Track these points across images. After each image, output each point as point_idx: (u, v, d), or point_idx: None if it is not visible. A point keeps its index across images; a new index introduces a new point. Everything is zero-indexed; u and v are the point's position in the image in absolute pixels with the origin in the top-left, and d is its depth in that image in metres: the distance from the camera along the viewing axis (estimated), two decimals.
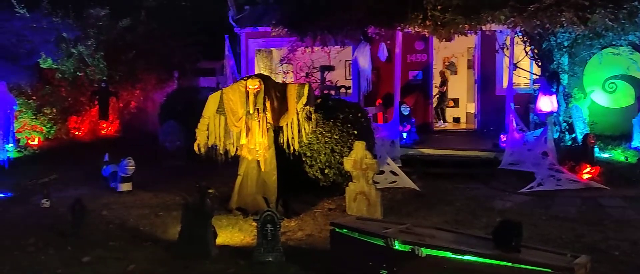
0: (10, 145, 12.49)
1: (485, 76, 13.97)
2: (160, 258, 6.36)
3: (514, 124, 11.03)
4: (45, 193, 8.88)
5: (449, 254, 4.69)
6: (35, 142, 14.51)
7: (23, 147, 13.75)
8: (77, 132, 16.02)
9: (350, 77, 16.19)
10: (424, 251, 4.76)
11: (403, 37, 11.90)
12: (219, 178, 9.90)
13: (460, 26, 9.83)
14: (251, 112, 8.04)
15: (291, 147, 8.37)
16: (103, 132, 16.57)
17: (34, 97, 14.75)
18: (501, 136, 11.25)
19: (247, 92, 8.04)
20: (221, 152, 8.45)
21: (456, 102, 16.60)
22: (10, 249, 6.70)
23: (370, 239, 5.16)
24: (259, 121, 8.07)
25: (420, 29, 10.17)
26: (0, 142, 12.00)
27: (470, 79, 16.07)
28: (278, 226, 6.16)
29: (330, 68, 14.83)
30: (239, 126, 8.20)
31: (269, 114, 8.12)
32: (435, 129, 14.44)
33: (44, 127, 14.79)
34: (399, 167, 10.01)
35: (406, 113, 11.95)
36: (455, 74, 16.80)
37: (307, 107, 8.16)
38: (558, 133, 10.89)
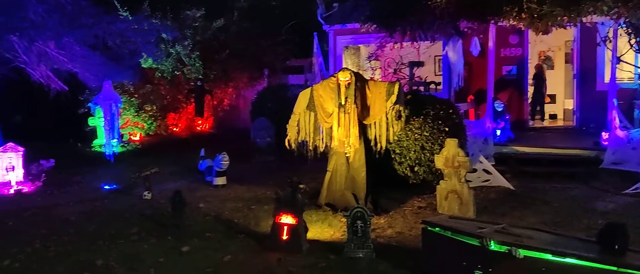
0: (115, 140, 13.33)
1: (585, 70, 13.23)
2: (254, 249, 6.55)
3: (617, 121, 10.36)
4: (147, 186, 9.37)
5: (549, 256, 4.48)
6: (137, 138, 15.40)
7: (126, 142, 14.63)
8: (174, 129, 16.84)
9: (440, 73, 15.89)
10: (522, 252, 4.58)
11: (496, 31, 11.51)
12: (308, 174, 10.06)
13: (559, 18, 9.38)
14: (343, 103, 8.07)
15: (378, 146, 8.32)
16: (198, 128, 17.31)
17: (136, 95, 15.65)
18: (603, 133, 10.61)
19: (338, 85, 8.08)
20: (311, 148, 8.55)
21: (553, 98, 15.88)
22: (116, 237, 7.14)
23: (464, 238, 5.04)
24: (350, 113, 8.09)
25: (515, 23, 9.78)
26: (108, 137, 12.82)
27: (568, 74, 15.33)
28: (368, 223, 6.15)
29: (420, 64, 14.59)
30: (330, 121, 8.27)
31: (358, 106, 8.11)
32: (530, 126, 13.88)
33: (145, 124, 15.66)
34: (492, 165, 9.70)
35: (500, 109, 11.54)
36: (552, 69, 16.07)
37: (397, 105, 8.08)
38: None
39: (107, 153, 12.92)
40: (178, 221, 7.41)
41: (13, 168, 10.01)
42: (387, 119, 8.23)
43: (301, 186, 6.57)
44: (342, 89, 8.07)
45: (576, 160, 10.28)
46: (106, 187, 10.17)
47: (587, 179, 9.53)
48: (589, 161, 10.12)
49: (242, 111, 18.14)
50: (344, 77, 8.08)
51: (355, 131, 8.13)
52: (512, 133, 11.72)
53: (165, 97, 16.49)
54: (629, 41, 10.89)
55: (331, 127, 8.34)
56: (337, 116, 8.16)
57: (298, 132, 8.58)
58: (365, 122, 8.30)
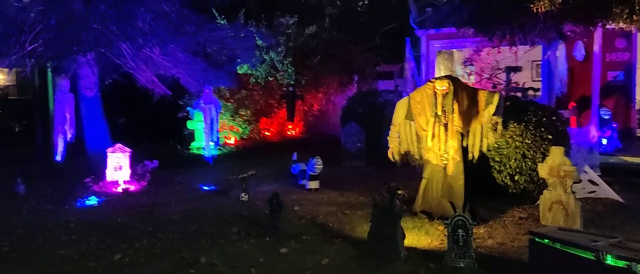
0: (212, 143, 13.84)
1: None
2: (351, 254, 6.54)
3: None
4: (243, 188, 9.62)
5: None
6: (232, 142, 15.90)
7: (221, 145, 15.14)
8: (266, 133, 17.24)
9: (538, 79, 15.26)
10: None
11: (602, 35, 10.90)
12: (399, 180, 9.91)
13: None
14: (439, 113, 7.89)
15: (470, 155, 8.06)
16: (288, 133, 17.63)
17: (232, 100, 16.18)
18: None
19: (435, 94, 7.90)
20: (417, 157, 8.40)
21: None
22: (217, 237, 7.37)
23: (577, 251, 4.77)
24: (446, 124, 7.89)
25: (625, 25, 9.20)
26: (207, 140, 13.33)
27: None
28: (470, 232, 5.98)
29: (517, 69, 14.11)
30: (427, 129, 8.09)
31: (456, 117, 7.89)
32: (638, 135, 13.01)
33: (239, 128, 16.14)
34: (598, 176, 9.16)
35: (606, 117, 10.90)
36: None
37: (496, 117, 7.78)
38: None
39: (206, 156, 13.41)
40: (276, 223, 7.56)
41: (121, 168, 10.59)
42: (481, 129, 7.96)
43: (399, 191, 6.49)
44: (439, 99, 7.86)
45: None
46: (205, 188, 10.56)
47: None
48: None
49: (332, 116, 18.28)
50: (441, 86, 7.83)
51: (453, 143, 7.90)
52: (620, 142, 11.02)
53: (258, 102, 16.92)
54: None
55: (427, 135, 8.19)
56: (432, 127, 7.97)
57: (400, 143, 8.47)
58: (465, 129, 8.06)
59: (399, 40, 16.03)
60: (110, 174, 10.57)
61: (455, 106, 7.85)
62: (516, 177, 8.70)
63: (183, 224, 8.10)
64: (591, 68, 11.16)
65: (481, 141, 7.99)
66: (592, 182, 9.03)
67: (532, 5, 8.99)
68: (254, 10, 15.88)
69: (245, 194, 9.56)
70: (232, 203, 9.32)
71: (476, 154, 8.06)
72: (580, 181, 8.90)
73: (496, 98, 7.84)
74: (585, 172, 9.11)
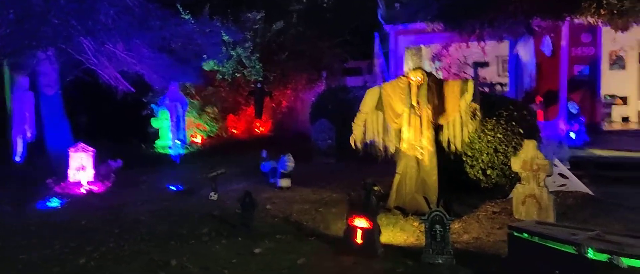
0: (178, 142, 13.51)
1: None
2: (327, 253, 6.39)
3: None
4: (213, 187, 9.38)
5: None
6: (199, 140, 15.57)
7: (188, 144, 14.80)
8: (234, 131, 16.94)
9: (504, 74, 15.41)
10: (625, 262, 4.24)
11: (569, 29, 11.03)
12: (372, 176, 9.82)
13: None
14: (414, 105, 7.81)
15: (452, 147, 8.04)
16: (256, 130, 17.36)
17: (198, 97, 15.84)
18: None
19: (409, 85, 7.83)
20: (380, 148, 8.34)
21: (624, 99, 15.13)
22: (187, 237, 7.14)
23: (557, 245, 4.73)
24: (421, 116, 7.83)
25: (593, 19, 9.31)
26: (174, 139, 13.01)
27: None
28: (447, 228, 5.90)
29: (484, 64, 14.20)
30: (399, 122, 8.03)
31: (430, 110, 7.85)
32: (603, 129, 13.24)
33: (206, 126, 15.82)
34: (568, 169, 9.23)
35: (575, 111, 11.03)
36: (623, 69, 15.31)
37: (474, 104, 7.76)
38: None
39: (173, 154, 13.10)
40: (248, 222, 7.36)
41: (84, 168, 10.23)
42: (461, 118, 7.92)
43: (375, 187, 6.39)
44: (413, 90, 7.81)
45: None
46: (172, 188, 10.26)
47: None
48: None
49: (300, 113, 18.08)
50: (415, 77, 7.80)
51: (428, 133, 7.85)
52: (588, 136, 11.17)
53: (225, 99, 16.62)
54: None
55: (400, 129, 8.13)
56: (408, 118, 7.90)
57: (364, 132, 8.38)
58: (439, 123, 8.02)
59: (367, 36, 15.97)
60: (73, 175, 10.19)
61: (431, 96, 7.82)
62: (488, 172, 8.70)
63: (151, 225, 7.82)
64: (558, 63, 11.33)
65: (462, 131, 7.95)
66: (562, 175, 9.08)
67: None
68: (219, 5, 15.55)
69: (214, 194, 9.31)
70: (201, 203, 9.07)
71: (459, 145, 8.03)
72: (550, 175, 8.95)
73: (471, 85, 7.82)
74: (555, 165, 9.15)
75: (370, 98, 8.31)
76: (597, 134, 12.19)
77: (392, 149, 8.34)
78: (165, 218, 8.14)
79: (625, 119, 14.97)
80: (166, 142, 13.80)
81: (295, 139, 15.56)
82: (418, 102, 7.81)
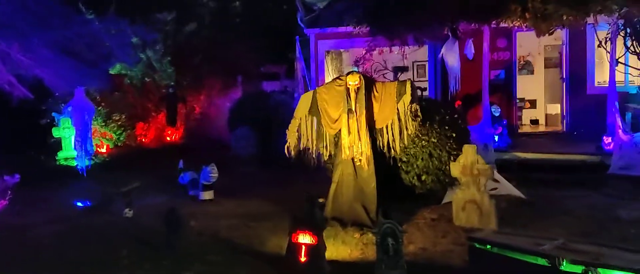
0: (84, 153, 12.32)
1: (574, 74, 13.04)
2: (267, 273, 5.81)
3: (621, 125, 10.08)
4: (127, 202, 8.52)
5: None
6: (104, 150, 14.37)
7: (93, 154, 13.59)
8: (143, 139, 15.85)
9: (421, 79, 15.49)
10: (602, 273, 4.02)
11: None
12: (301, 185, 9.39)
13: (565, 18, 9.02)
14: (353, 109, 7.41)
15: (392, 151, 7.72)
16: (168, 138, 16.34)
17: (103, 104, 14.63)
18: (604, 137, 10.33)
19: (347, 89, 7.42)
20: (313, 156, 7.88)
21: (533, 103, 15.72)
22: (103, 263, 6.32)
23: (526, 257, 4.45)
24: (359, 120, 7.44)
25: (519, 23, 9.38)
26: (80, 149, 11.84)
27: (547, 79, 15.21)
28: (400, 240, 5.50)
29: (404, 69, 14.16)
30: (335, 127, 7.62)
31: (367, 114, 7.48)
32: (519, 131, 13.59)
33: (113, 134, 14.65)
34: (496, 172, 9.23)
35: (497, 114, 11.15)
36: (532, 74, 15.91)
37: (414, 105, 7.48)
38: None
39: (79, 167, 11.91)
40: (174, 242, 6.59)
41: None
42: (399, 120, 7.62)
43: (320, 199, 5.88)
44: (352, 94, 7.41)
45: (581, 166, 9.97)
46: (79, 204, 9.21)
47: (597, 185, 9.15)
48: (594, 166, 9.83)
49: (215, 120, 17.27)
50: (353, 81, 7.41)
51: (366, 138, 7.48)
52: (510, 139, 11.34)
53: (134, 106, 15.49)
54: (624, 43, 10.69)
55: (337, 135, 7.70)
56: (346, 123, 7.49)
57: (299, 139, 7.89)
58: (377, 126, 7.68)
59: (286, 40, 15.49)
60: None
61: (367, 100, 7.49)
62: (423, 177, 8.45)
63: (58, 248, 6.89)
64: (479, 66, 11.38)
65: (401, 133, 7.64)
66: (492, 179, 9.05)
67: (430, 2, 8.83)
68: (127, 5, 14.41)
69: (129, 210, 8.46)
70: (115, 221, 8.20)
71: (398, 150, 7.75)
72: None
73: (409, 86, 7.56)
74: None
75: (304, 103, 7.84)
76: (516, 137, 12.46)
77: (325, 156, 7.93)
78: (75, 240, 7.25)
79: (534, 122, 15.50)
80: (70, 153, 12.53)
81: (211, 148, 14.77)
82: (356, 106, 7.42)
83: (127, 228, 7.77)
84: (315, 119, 7.81)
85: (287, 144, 7.91)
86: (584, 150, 10.56)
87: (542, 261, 4.32)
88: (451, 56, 11.42)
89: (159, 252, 6.54)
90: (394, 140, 7.63)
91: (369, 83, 7.75)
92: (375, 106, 7.65)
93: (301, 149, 7.93)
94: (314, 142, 7.84)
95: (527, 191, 8.92)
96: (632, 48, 10.54)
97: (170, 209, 6.78)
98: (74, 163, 12.27)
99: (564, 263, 4.18)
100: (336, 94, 7.59)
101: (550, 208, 8.10)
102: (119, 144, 15.03)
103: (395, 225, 5.57)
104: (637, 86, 11.28)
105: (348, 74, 7.62)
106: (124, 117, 15.01)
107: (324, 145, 7.87)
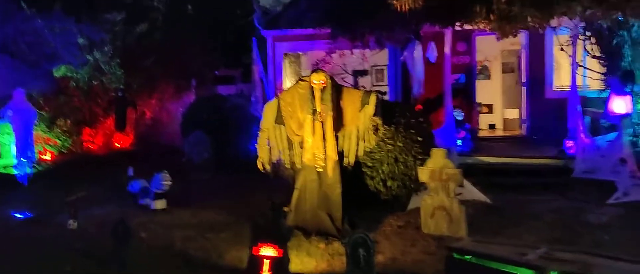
0: (25, 160, 11.54)
1: (534, 78, 13.06)
2: None
3: (582, 128, 10.05)
4: (72, 213, 7.91)
5: None
6: (48, 157, 13.52)
7: (36, 162, 12.76)
8: (90, 145, 15.04)
9: (380, 83, 15.29)
10: None
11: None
12: (262, 192, 8.93)
13: (529, 20, 8.88)
14: (319, 110, 7.01)
15: (345, 160, 7.37)
16: (116, 145, 15.57)
17: (47, 108, 13.79)
18: (566, 141, 10.29)
19: (311, 89, 7.03)
20: (288, 166, 7.45)
21: (490, 107, 15.74)
22: None
23: (510, 268, 4.14)
24: (324, 122, 7.06)
25: (483, 25, 9.19)
26: (20, 157, 11.05)
27: (505, 83, 15.26)
28: (372, 251, 5.15)
29: (364, 73, 13.90)
30: (300, 134, 7.19)
31: (333, 114, 7.12)
32: (479, 136, 13.51)
33: (58, 140, 13.82)
34: None
35: (460, 118, 10.99)
36: (489, 79, 15.95)
37: (376, 118, 7.15)
38: (631, 137, 9.91)
39: (18, 175, 11.12)
40: (124, 256, 6.03)
41: None
42: (358, 131, 7.30)
43: (285, 208, 5.45)
44: (317, 94, 7.02)
45: (545, 170, 9.91)
46: (19, 215, 8.54)
47: (562, 189, 9.09)
48: (557, 170, 9.78)
49: (167, 125, 16.60)
50: (318, 80, 7.03)
51: (332, 141, 7.11)
52: (473, 143, 11.19)
53: (80, 110, 14.67)
54: (584, 47, 10.72)
55: (302, 141, 7.29)
56: (311, 125, 7.09)
57: (270, 151, 7.44)
58: (336, 132, 7.31)
59: (242, 43, 15.00)
60: None
61: (333, 102, 7.14)
62: (389, 183, 8.14)
63: None
64: (440, 70, 11.20)
65: (357, 144, 7.29)
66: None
67: (395, 2, 8.52)
68: (73, 1, 13.62)
69: (74, 221, 7.88)
70: (58, 233, 7.58)
71: (352, 160, 7.42)
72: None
73: (373, 98, 7.24)
74: None
75: (269, 113, 7.43)
76: (478, 141, 12.32)
77: (299, 164, 7.46)
78: (14, 255, 6.64)
79: (491, 126, 15.52)
80: (9, 160, 11.73)
81: (163, 154, 14.13)
82: (322, 107, 7.03)
83: (72, 240, 7.21)
84: (283, 128, 7.42)
85: (260, 158, 7.47)
86: (546, 154, 10.50)
87: (528, 273, 4.01)
88: (415, 59, 11.19)
89: (106, 267, 6.06)
90: (349, 150, 7.33)
91: (335, 85, 7.40)
92: (340, 109, 7.30)
93: (274, 161, 7.50)
94: (286, 152, 7.43)
95: (493, 196, 8.75)
96: (592, 52, 10.57)
97: (119, 219, 6.26)
98: (13, 171, 11.46)
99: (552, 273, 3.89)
100: (300, 96, 7.21)
101: (518, 213, 7.93)
102: (64, 150, 14.18)
103: (366, 235, 5.21)
104: (596, 90, 11.30)
105: (313, 73, 7.23)
106: (69, 122, 14.17)
107: (296, 153, 7.43)
